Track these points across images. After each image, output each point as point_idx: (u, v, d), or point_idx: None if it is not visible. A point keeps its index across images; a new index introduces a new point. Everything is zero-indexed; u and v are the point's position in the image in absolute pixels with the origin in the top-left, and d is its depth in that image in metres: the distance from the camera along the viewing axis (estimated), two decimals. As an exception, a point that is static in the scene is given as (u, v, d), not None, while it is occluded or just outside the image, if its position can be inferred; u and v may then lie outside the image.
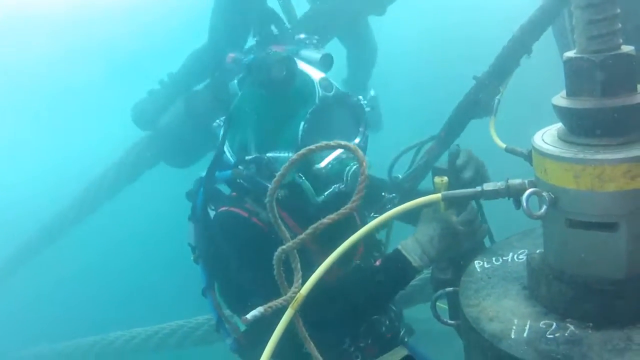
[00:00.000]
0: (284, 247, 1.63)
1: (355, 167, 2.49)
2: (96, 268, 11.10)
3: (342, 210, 1.62)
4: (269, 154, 2.56)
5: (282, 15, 4.58)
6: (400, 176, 2.99)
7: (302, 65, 2.64)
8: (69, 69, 13.25)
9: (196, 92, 4.89)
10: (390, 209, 2.78)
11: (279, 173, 1.64)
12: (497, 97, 2.80)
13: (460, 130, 3.00)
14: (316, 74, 2.62)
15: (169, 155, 5.43)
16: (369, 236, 2.77)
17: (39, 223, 7.64)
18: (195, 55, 5.14)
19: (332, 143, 1.66)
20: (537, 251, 1.88)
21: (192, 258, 2.90)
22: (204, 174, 2.89)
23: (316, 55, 2.73)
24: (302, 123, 2.50)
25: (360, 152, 1.66)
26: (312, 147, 1.69)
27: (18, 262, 8.10)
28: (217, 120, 2.84)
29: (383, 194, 2.90)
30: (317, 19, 4.92)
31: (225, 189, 2.86)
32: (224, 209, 2.66)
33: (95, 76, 13.10)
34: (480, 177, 2.42)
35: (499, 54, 2.84)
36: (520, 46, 2.77)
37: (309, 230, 1.62)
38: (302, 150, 1.67)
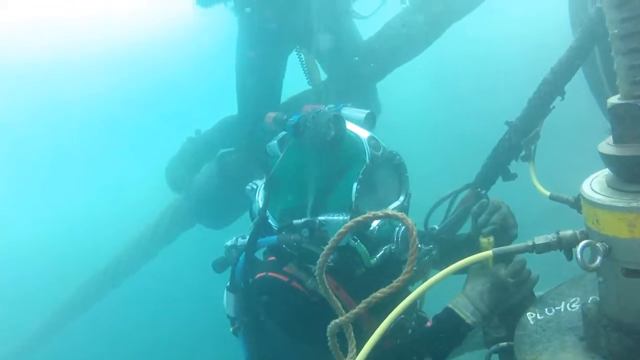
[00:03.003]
0: (337, 320, 1.61)
1: (404, 227, 2.44)
2: (132, 333, 11.05)
3: (394, 283, 1.61)
4: (320, 218, 2.45)
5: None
6: (437, 227, 2.92)
7: (348, 124, 2.58)
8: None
9: (228, 153, 4.93)
10: (428, 260, 2.77)
11: (327, 247, 1.62)
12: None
13: (496, 177, 2.96)
14: (363, 133, 2.58)
15: (204, 216, 5.47)
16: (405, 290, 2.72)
17: (73, 287, 7.75)
18: (227, 121, 5.20)
19: (380, 213, 1.65)
20: (590, 299, 1.83)
21: (231, 330, 2.77)
22: (231, 241, 2.84)
23: (359, 114, 2.70)
24: (355, 184, 2.45)
25: (410, 221, 1.64)
26: (359, 218, 1.67)
27: (57, 323, 8.19)
28: (250, 184, 2.77)
29: (420, 245, 2.82)
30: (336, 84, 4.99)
31: (258, 255, 2.73)
32: (261, 274, 2.57)
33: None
34: (503, 229, 2.45)
35: (531, 98, 2.81)
36: (552, 89, 2.74)
37: (362, 305, 1.60)
38: (350, 223, 1.66)
